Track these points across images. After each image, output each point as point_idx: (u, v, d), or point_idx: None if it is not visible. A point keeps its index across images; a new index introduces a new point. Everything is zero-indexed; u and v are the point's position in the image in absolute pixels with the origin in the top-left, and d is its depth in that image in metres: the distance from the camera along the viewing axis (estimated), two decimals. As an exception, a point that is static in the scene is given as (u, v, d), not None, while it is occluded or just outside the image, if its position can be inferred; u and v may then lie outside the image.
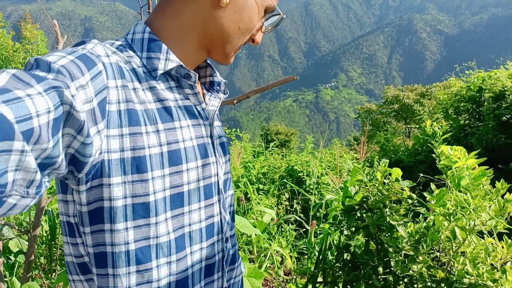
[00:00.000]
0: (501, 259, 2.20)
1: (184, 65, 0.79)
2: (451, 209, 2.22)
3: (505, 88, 5.11)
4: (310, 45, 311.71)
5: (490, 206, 2.20)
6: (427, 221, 2.52)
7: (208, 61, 0.94)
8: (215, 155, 0.85)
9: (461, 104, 5.72)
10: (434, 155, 2.56)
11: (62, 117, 0.55)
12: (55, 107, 0.53)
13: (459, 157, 2.33)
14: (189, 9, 0.78)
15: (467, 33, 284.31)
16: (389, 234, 2.31)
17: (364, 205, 2.39)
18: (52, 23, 1.81)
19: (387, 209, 2.29)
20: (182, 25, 0.79)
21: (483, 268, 2.24)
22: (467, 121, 5.54)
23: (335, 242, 2.98)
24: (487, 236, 2.16)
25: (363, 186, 2.54)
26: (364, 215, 2.38)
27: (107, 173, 0.67)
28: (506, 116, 5.02)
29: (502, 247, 2.22)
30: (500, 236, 2.14)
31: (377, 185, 2.41)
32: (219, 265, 0.87)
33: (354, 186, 2.88)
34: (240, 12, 0.79)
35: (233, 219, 0.95)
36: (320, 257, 2.89)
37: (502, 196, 2.25)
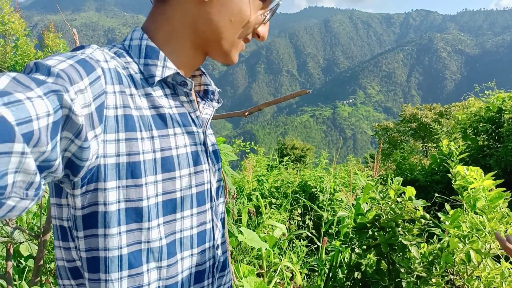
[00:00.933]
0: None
1: (180, 73, 0.79)
2: (466, 231, 2.16)
3: (526, 110, 5.02)
4: (328, 61, 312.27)
5: (506, 230, 2.14)
6: (441, 242, 2.46)
7: (202, 69, 0.94)
8: (208, 163, 0.85)
9: (480, 125, 5.62)
10: (450, 175, 2.51)
11: (61, 121, 0.55)
12: (55, 110, 0.54)
13: (475, 178, 2.27)
14: (178, 12, 0.78)
15: (489, 54, 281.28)
16: (401, 254, 2.25)
17: (376, 223, 2.34)
18: (72, 32, 1.84)
19: (400, 228, 2.24)
20: (174, 30, 0.79)
21: (498, 293, 2.17)
22: (486, 142, 5.43)
23: (346, 260, 2.93)
24: (503, 260, 2.10)
25: (375, 204, 2.50)
26: (376, 233, 2.34)
27: (103, 178, 0.67)
28: (527, 138, 4.92)
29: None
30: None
31: (389, 203, 2.36)
32: (210, 272, 0.87)
33: (367, 204, 2.84)
34: (228, 4, 0.78)
35: (223, 226, 0.95)
36: (331, 274, 2.84)
37: (520, 220, 2.19)
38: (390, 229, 2.24)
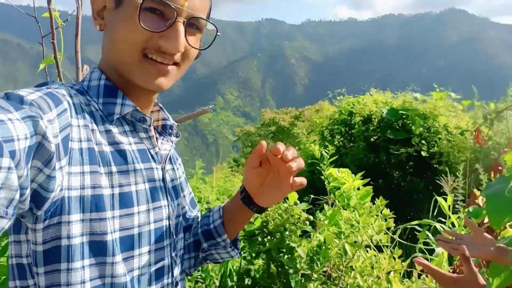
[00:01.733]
0: (383, 270, 2.44)
1: (139, 109, 0.79)
2: (343, 227, 2.40)
3: (372, 113, 5.74)
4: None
5: (374, 222, 2.43)
6: (318, 240, 2.67)
7: (160, 105, 0.94)
8: (167, 199, 0.84)
9: (335, 127, 6.26)
10: (323, 177, 2.76)
11: (33, 147, 0.56)
12: (31, 135, 0.55)
13: (345, 179, 2.54)
14: (102, 47, 0.82)
15: (330, 60, 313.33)
16: (289, 255, 2.41)
17: (265, 230, 2.46)
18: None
19: (287, 232, 2.40)
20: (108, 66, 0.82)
21: (370, 280, 2.44)
22: (341, 143, 6.06)
23: (235, 268, 3.00)
24: (375, 250, 2.39)
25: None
26: (265, 239, 2.46)
27: (67, 211, 0.66)
28: (374, 137, 5.62)
29: (385, 259, 2.47)
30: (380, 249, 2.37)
31: (277, 209, 2.51)
32: None
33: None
34: (109, 29, 0.77)
35: (182, 263, 0.94)
36: (222, 284, 2.88)
37: (382, 211, 2.52)
38: (278, 233, 2.37)
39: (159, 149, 0.86)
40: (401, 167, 5.45)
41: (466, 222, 1.25)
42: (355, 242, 2.43)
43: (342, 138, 6.09)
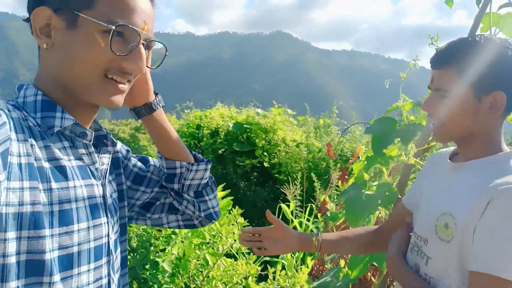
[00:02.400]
0: (241, 275, 2.59)
1: (79, 123, 0.77)
2: (207, 237, 2.48)
3: (218, 126, 5.99)
4: (6, 72, 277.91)
5: (234, 231, 2.58)
6: (176, 253, 2.69)
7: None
8: (107, 215, 0.83)
9: (183, 140, 6.34)
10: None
11: None
12: None
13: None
14: (42, 65, 0.80)
15: (169, 73, 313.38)
16: (154, 271, 2.38)
17: (128, 247, 2.37)
18: None
19: (152, 247, 2.37)
20: (47, 82, 0.79)
21: (228, 286, 2.56)
22: (189, 155, 6.16)
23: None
24: (238, 258, 2.53)
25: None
26: (129, 256, 2.37)
27: (3, 228, 0.63)
28: (221, 150, 5.87)
29: (242, 265, 2.63)
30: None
31: (141, 225, 2.45)
32: None
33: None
34: (66, 47, 0.76)
35: (119, 280, 0.91)
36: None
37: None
38: (143, 249, 2.33)
39: (99, 164, 0.85)
40: (246, 178, 5.79)
41: (269, 217, 1.31)
42: (215, 251, 2.54)
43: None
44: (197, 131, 6.17)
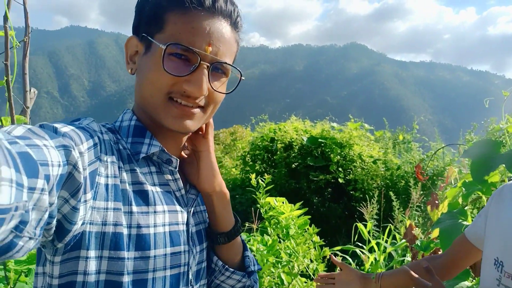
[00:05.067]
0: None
1: (166, 150, 0.78)
2: (283, 257, 2.43)
3: (292, 140, 5.94)
4: (94, 84, 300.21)
5: (309, 250, 2.50)
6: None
7: None
8: (189, 244, 0.81)
9: (257, 152, 6.37)
10: (258, 205, 2.78)
11: (64, 176, 0.55)
12: (63, 164, 0.54)
13: (284, 208, 2.59)
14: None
15: (242, 84, 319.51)
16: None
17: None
18: None
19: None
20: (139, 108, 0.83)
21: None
22: (263, 168, 6.18)
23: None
24: (307, 278, 2.45)
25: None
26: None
27: (86, 245, 0.65)
28: (295, 164, 5.81)
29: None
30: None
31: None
32: None
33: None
34: (139, 72, 0.79)
35: None
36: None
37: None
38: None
39: (186, 191, 0.84)
40: (320, 193, 5.68)
41: (334, 261, 1.38)
42: (290, 271, 2.48)
43: (263, 164, 6.20)
44: (271, 144, 6.18)
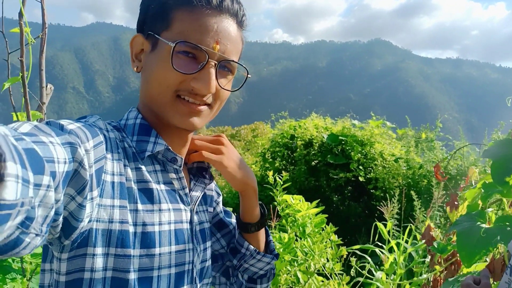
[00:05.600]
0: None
1: (171, 149, 0.79)
2: (299, 255, 2.42)
3: (312, 137, 5.90)
4: (119, 80, 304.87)
5: (326, 249, 2.48)
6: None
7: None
8: (193, 242, 0.82)
9: (277, 149, 6.35)
10: (275, 202, 2.77)
11: (70, 173, 0.56)
12: (69, 161, 0.55)
13: (301, 206, 2.57)
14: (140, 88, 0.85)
15: (264, 80, 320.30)
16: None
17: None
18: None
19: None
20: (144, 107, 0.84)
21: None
22: (282, 165, 6.16)
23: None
24: (330, 278, 2.42)
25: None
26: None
27: (93, 243, 0.66)
28: (314, 161, 5.77)
29: (334, 286, 2.51)
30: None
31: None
32: None
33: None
34: (145, 70, 0.79)
35: None
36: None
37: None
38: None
39: (190, 190, 0.86)
40: (340, 191, 5.62)
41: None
42: (307, 269, 2.46)
43: (283, 161, 6.17)
44: (291, 141, 6.15)
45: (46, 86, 1.32)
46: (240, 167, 0.92)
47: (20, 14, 1.12)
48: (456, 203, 1.67)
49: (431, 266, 1.74)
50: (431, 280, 1.77)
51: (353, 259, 2.60)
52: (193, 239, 0.82)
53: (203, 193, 0.89)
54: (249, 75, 0.86)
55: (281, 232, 2.65)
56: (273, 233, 2.73)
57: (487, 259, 1.49)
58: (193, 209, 0.85)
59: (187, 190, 0.84)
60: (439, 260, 1.56)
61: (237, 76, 0.85)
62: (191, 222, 0.83)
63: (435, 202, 3.79)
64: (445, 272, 1.65)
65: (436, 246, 1.48)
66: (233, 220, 1.07)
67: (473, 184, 1.63)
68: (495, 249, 1.40)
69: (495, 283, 1.29)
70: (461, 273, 1.51)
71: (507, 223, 1.23)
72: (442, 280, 1.65)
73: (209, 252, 0.91)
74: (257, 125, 17.93)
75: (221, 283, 1.09)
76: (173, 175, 0.82)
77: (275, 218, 2.99)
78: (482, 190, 1.36)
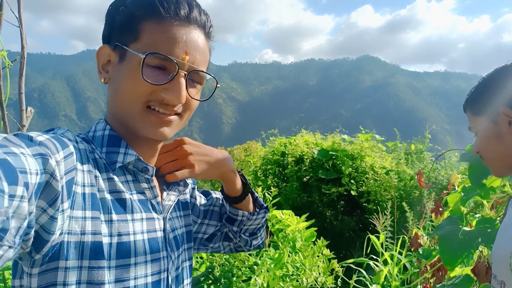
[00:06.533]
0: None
1: (142, 159, 0.79)
2: (290, 270, 2.40)
3: (303, 153, 5.92)
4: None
5: (318, 263, 2.47)
6: (260, 283, 2.64)
7: None
8: (167, 250, 0.82)
9: (268, 167, 6.35)
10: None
11: (42, 185, 0.55)
12: (41, 172, 0.55)
13: (290, 221, 2.57)
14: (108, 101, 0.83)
15: (256, 100, 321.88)
16: (236, 302, 2.34)
17: (210, 276, 2.38)
18: None
19: (234, 278, 2.34)
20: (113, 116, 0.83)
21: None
22: (274, 182, 6.15)
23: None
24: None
25: (209, 256, 2.55)
26: (212, 286, 2.37)
27: (65, 256, 0.65)
28: (306, 177, 5.77)
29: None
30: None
31: (223, 254, 2.45)
32: None
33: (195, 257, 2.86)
34: (113, 82, 0.79)
35: None
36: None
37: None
38: (226, 279, 2.31)
39: (162, 199, 0.86)
40: (332, 206, 5.61)
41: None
42: (299, 284, 2.44)
43: (275, 178, 6.17)
44: (282, 158, 6.16)
45: (26, 109, 1.33)
46: (211, 162, 0.95)
47: (-3, 39, 1.14)
48: (440, 209, 1.68)
49: (421, 274, 1.74)
50: (422, 288, 1.77)
51: (339, 271, 2.58)
52: (166, 247, 0.82)
53: (176, 200, 0.90)
54: (218, 85, 0.87)
55: (273, 248, 2.63)
56: (266, 251, 2.72)
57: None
58: (166, 217, 0.85)
59: (159, 199, 0.84)
60: (426, 267, 1.56)
61: (210, 87, 0.87)
62: (164, 230, 0.83)
63: (427, 212, 3.79)
64: (434, 279, 1.65)
65: (421, 252, 1.48)
66: (212, 195, 1.13)
67: (456, 189, 1.64)
68: (478, 252, 1.40)
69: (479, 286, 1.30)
70: (448, 278, 1.51)
71: (487, 225, 1.24)
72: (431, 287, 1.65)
73: (186, 254, 0.93)
74: (249, 144, 17.93)
75: (225, 247, 1.15)
76: (144, 185, 0.82)
77: (269, 235, 2.98)
78: (462, 194, 1.37)
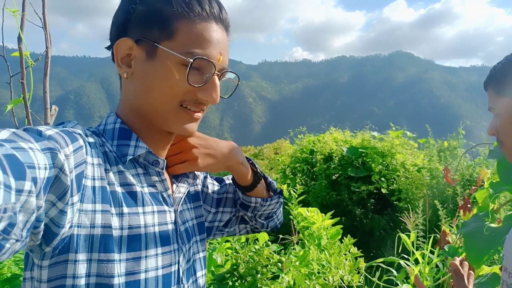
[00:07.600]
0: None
1: (153, 151, 0.80)
2: (315, 268, 2.38)
3: (332, 151, 5.85)
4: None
5: (345, 261, 2.43)
6: (287, 281, 2.62)
7: None
8: (178, 242, 0.83)
9: (297, 165, 6.32)
10: (290, 216, 2.75)
11: (51, 179, 0.56)
12: (50, 167, 0.55)
13: (316, 218, 2.54)
14: (123, 95, 0.83)
15: (286, 99, 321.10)
16: (262, 300, 2.34)
17: (235, 273, 2.39)
18: None
19: (259, 275, 2.34)
20: (128, 111, 0.82)
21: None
22: (303, 181, 6.11)
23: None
24: (348, 290, 2.37)
25: (234, 253, 2.56)
26: (236, 283, 2.38)
27: (74, 249, 0.65)
28: (335, 175, 5.71)
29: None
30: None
31: (247, 251, 2.45)
32: None
33: (222, 254, 2.87)
34: (144, 78, 0.77)
35: None
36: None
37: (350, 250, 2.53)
38: (250, 277, 2.31)
39: (172, 191, 0.86)
40: (362, 204, 5.53)
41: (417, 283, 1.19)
42: (326, 283, 2.41)
43: (304, 176, 6.12)
44: (310, 156, 6.10)
45: (51, 108, 1.36)
46: (216, 155, 0.94)
47: (19, 39, 1.18)
48: (469, 205, 1.62)
49: (448, 272, 1.69)
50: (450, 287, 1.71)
51: (361, 269, 2.53)
52: (177, 239, 0.83)
53: (186, 192, 0.90)
54: (239, 82, 0.90)
55: (300, 247, 2.61)
56: (294, 249, 2.70)
57: None
58: (177, 209, 0.85)
59: (170, 192, 0.84)
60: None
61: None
62: (175, 222, 0.83)
63: (459, 210, 3.67)
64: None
65: (447, 250, 1.44)
66: (226, 181, 1.13)
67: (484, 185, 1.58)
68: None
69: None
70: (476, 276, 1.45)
71: (515, 222, 1.19)
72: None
73: (198, 246, 0.93)
74: (279, 143, 17.91)
75: (241, 229, 1.15)
76: (155, 178, 0.82)
77: (297, 233, 2.95)
78: (490, 190, 1.32)
